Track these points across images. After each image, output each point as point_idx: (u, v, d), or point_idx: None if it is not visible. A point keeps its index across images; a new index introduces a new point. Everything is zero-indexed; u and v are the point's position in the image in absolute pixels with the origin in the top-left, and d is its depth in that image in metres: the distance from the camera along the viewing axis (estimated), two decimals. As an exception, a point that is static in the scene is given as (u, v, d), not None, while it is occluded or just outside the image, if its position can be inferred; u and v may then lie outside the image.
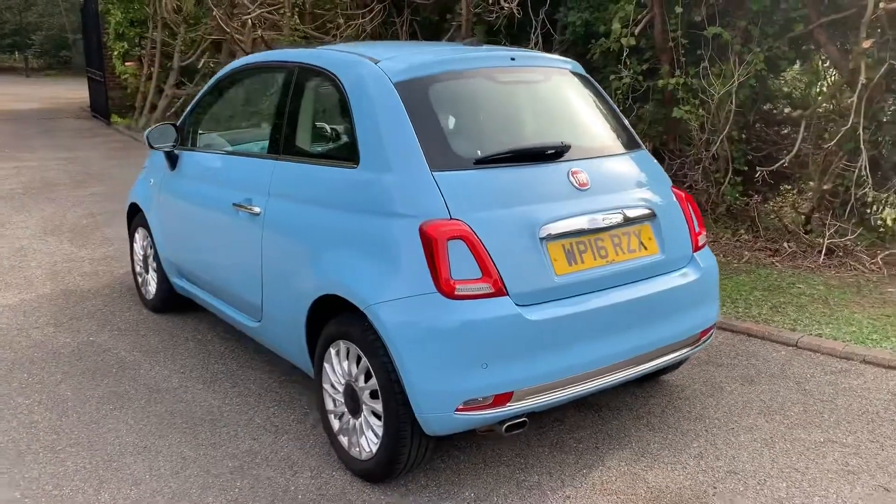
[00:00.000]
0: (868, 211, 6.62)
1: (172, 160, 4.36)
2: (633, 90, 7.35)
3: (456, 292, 2.68)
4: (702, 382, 3.92)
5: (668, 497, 2.94)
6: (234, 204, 3.67)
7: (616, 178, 3.24)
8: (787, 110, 7.42)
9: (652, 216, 3.20)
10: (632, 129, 3.60)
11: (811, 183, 6.96)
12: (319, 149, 3.41)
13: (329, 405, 3.20)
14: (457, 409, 2.72)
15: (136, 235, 5.02)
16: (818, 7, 6.75)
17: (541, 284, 2.82)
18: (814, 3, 6.75)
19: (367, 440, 2.97)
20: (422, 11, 9.14)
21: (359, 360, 2.96)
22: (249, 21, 10.94)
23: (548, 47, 7.88)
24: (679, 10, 6.87)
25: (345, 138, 3.20)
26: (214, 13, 11.22)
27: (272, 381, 3.96)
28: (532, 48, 7.89)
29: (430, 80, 3.09)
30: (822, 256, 6.03)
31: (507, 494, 2.97)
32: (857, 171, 6.03)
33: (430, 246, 2.71)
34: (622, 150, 3.39)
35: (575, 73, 3.59)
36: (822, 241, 6.14)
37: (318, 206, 3.17)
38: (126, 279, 5.59)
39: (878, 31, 6.30)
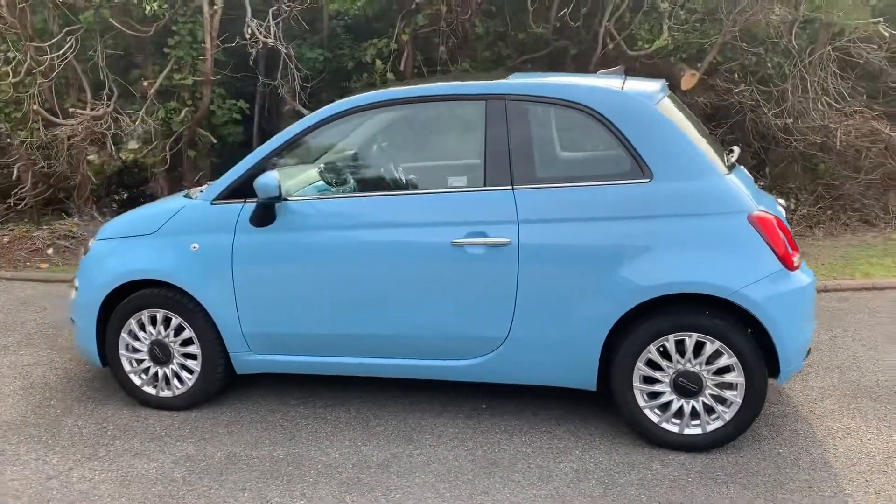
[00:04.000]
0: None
1: (267, 214, 3.69)
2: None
3: (794, 265, 3.39)
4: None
5: None
6: (453, 242, 3.51)
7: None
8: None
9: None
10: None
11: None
12: (580, 171, 3.55)
13: (641, 402, 3.49)
14: (803, 359, 3.44)
15: (132, 322, 3.96)
16: (519, 48, 8.52)
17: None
18: (514, 46, 8.50)
19: (719, 413, 3.42)
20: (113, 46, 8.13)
21: (697, 347, 3.39)
22: None
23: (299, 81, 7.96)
24: (443, 48, 7.88)
25: (615, 158, 3.49)
26: None
27: (458, 418, 3.83)
28: (281, 82, 7.93)
29: (663, 104, 3.63)
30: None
31: (806, 438, 3.75)
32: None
33: (767, 232, 3.35)
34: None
35: None
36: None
37: (605, 221, 3.41)
38: (55, 383, 4.24)
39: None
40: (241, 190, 3.79)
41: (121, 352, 4.00)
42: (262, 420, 3.89)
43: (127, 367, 4.02)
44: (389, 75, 7.82)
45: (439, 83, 3.80)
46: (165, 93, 8.02)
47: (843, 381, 4.21)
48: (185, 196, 4.13)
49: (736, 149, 3.93)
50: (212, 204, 3.84)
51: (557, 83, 3.63)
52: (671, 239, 3.37)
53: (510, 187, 3.52)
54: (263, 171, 3.73)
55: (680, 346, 3.42)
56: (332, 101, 3.84)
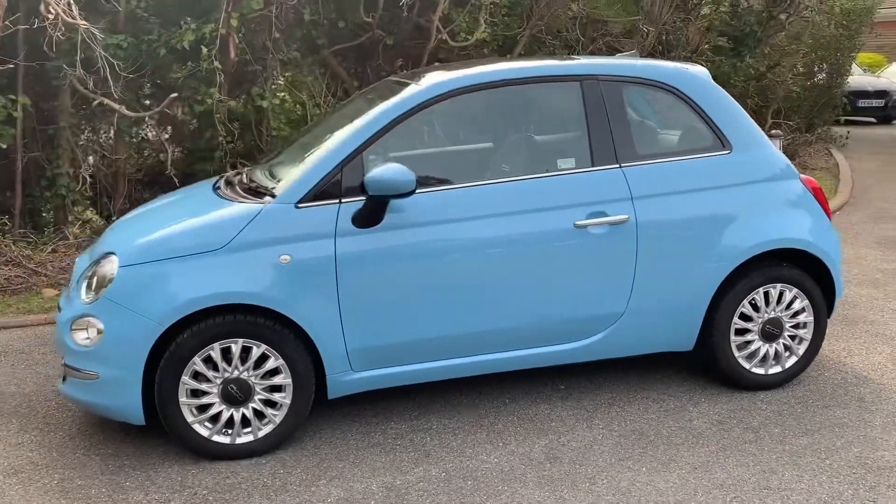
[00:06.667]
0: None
1: (378, 213, 3.29)
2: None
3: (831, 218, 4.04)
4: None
5: None
6: (576, 224, 3.52)
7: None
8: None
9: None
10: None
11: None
12: (670, 146, 3.74)
13: (736, 353, 3.86)
14: (835, 301, 4.11)
15: (196, 361, 3.23)
16: (331, 37, 8.35)
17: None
18: (328, 34, 8.32)
19: (793, 350, 3.92)
20: None
21: (781, 296, 3.85)
22: None
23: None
24: (277, 35, 7.38)
25: (698, 132, 3.77)
26: None
27: (556, 403, 3.83)
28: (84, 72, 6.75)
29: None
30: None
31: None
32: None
33: (816, 191, 3.95)
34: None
35: None
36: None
37: (702, 191, 3.69)
38: (45, 461, 3.27)
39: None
40: (332, 188, 3.33)
41: (181, 399, 3.24)
42: (373, 444, 3.47)
43: (189, 417, 3.27)
44: (216, 64, 7.09)
45: (523, 64, 3.75)
46: None
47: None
48: (220, 196, 3.52)
49: None
50: (297, 207, 3.30)
51: (643, 64, 3.81)
52: (756, 203, 3.77)
53: (618, 165, 3.62)
54: (357, 164, 3.34)
55: (765, 297, 3.84)
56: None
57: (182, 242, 3.26)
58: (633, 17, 9.08)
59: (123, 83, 6.99)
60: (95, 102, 6.85)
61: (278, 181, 3.58)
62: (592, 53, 9.29)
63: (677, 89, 3.75)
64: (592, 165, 3.62)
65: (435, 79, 3.56)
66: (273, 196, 3.36)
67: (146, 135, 8.48)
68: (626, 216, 3.57)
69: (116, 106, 6.88)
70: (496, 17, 8.48)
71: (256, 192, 3.51)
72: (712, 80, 3.89)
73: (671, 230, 3.66)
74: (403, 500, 3.04)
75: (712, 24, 10.31)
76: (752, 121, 3.92)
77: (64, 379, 3.45)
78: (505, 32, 8.58)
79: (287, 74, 8.05)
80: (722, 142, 3.78)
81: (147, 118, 7.52)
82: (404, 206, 3.36)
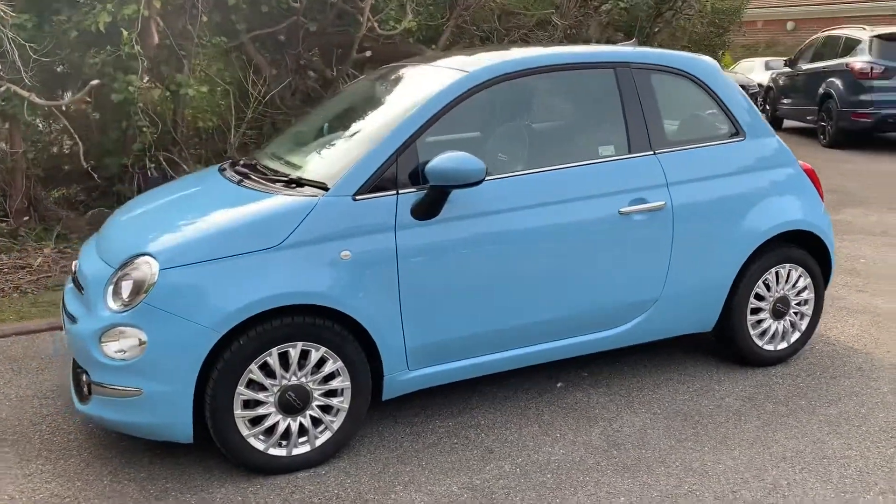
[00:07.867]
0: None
1: (439, 204, 3.14)
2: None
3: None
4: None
5: None
6: (620, 211, 3.53)
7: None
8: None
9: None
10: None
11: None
12: (693, 133, 3.81)
13: (751, 331, 4.02)
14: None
15: (253, 369, 2.97)
16: (250, 22, 7.95)
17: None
18: (247, 19, 7.92)
19: (797, 326, 4.14)
20: None
21: (789, 275, 4.05)
22: None
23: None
24: (204, 19, 6.91)
25: (716, 120, 3.88)
26: None
27: (587, 391, 3.85)
28: None
29: (718, 72, 4.16)
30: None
31: None
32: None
33: (812, 175, 4.19)
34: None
35: None
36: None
37: (725, 177, 3.81)
38: (72, 493, 2.90)
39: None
40: (388, 179, 3.16)
41: (236, 412, 2.96)
42: (430, 445, 3.33)
43: (244, 430, 2.99)
44: (137, 49, 6.54)
45: (561, 50, 3.72)
46: None
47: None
48: (250, 188, 3.28)
49: None
50: (354, 199, 3.10)
51: (666, 53, 3.88)
52: (770, 188, 3.94)
53: (652, 152, 3.67)
54: (412, 153, 3.19)
55: (776, 276, 4.02)
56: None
57: (232, 240, 2.97)
58: (546, 11, 9.25)
59: (29, 68, 6.29)
60: (2, 89, 6.12)
61: (305, 171, 3.37)
62: (510, 42, 9.40)
63: (697, 77, 3.85)
64: (630, 152, 3.64)
65: (483, 63, 3.46)
66: (324, 188, 3.13)
67: (38, 125, 7.72)
68: (663, 202, 3.62)
69: (25, 94, 6.19)
70: (422, 6, 8.37)
71: (293, 183, 3.26)
72: (721, 70, 4.02)
73: (702, 215, 3.75)
74: (490, 499, 2.93)
75: (612, 20, 10.69)
76: (756, 108, 4.09)
77: (85, 398, 3.06)
78: (429, 22, 8.50)
79: (201, 63, 7.57)
80: (737, 129, 3.92)
81: (48, 108, 6.79)
82: (459, 197, 3.23)
